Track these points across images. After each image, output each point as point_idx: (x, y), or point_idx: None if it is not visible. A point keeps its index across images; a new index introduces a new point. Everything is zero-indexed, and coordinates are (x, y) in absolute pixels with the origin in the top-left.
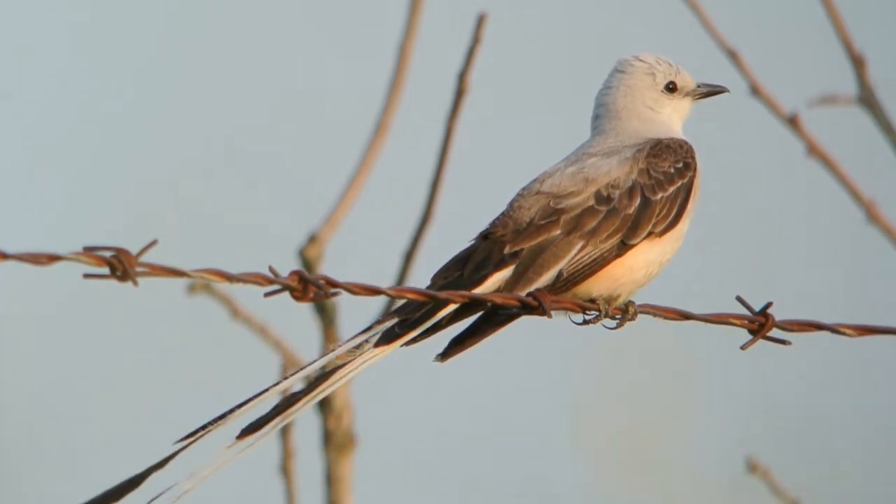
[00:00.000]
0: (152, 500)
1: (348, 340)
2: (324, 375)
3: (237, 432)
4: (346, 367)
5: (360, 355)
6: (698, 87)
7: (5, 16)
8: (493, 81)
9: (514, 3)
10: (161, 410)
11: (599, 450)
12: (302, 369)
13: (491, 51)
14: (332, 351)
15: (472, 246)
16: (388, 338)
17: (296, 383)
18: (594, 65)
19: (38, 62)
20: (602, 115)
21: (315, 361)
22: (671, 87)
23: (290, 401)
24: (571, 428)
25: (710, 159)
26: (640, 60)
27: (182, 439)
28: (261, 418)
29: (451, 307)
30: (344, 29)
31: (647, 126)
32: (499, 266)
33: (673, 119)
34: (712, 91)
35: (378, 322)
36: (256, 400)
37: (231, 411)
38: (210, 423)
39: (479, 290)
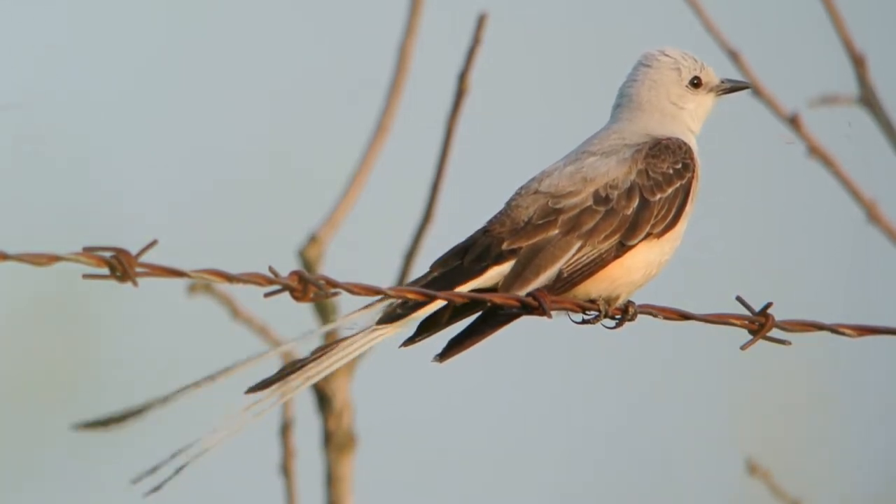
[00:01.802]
0: (171, 456)
1: (350, 314)
2: (327, 347)
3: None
4: (349, 340)
5: (363, 332)
6: (722, 82)
7: (3, 15)
8: (493, 81)
9: (514, 3)
10: (160, 411)
11: (598, 449)
12: (303, 336)
13: (491, 51)
14: (334, 322)
15: (471, 237)
16: (390, 318)
17: (296, 348)
18: (594, 65)
19: (38, 61)
20: (623, 105)
21: (316, 331)
22: (696, 83)
23: (295, 366)
24: (570, 428)
25: (711, 159)
26: (666, 55)
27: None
28: (266, 380)
29: (462, 289)
30: (344, 29)
31: (668, 121)
32: (497, 260)
33: (696, 115)
34: (736, 86)
35: (380, 300)
36: (253, 362)
37: (228, 370)
38: (206, 379)
39: (478, 281)
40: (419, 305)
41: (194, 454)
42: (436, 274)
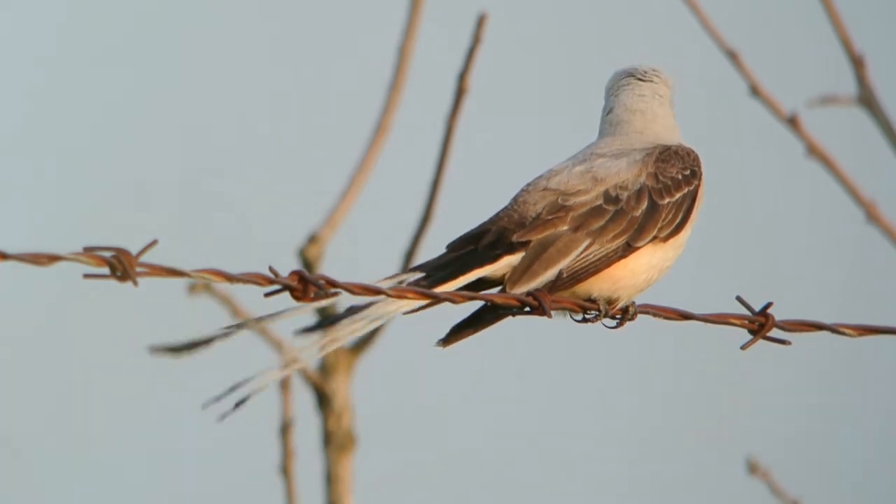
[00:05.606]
0: (231, 388)
1: (378, 281)
2: (362, 307)
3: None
4: (382, 304)
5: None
6: None
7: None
8: (493, 81)
9: (514, 3)
10: (160, 410)
11: (597, 449)
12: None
13: (491, 51)
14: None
15: (483, 226)
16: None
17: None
18: (594, 65)
19: (36, 59)
20: (628, 120)
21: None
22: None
23: (334, 319)
24: (569, 427)
25: (710, 159)
26: (661, 72)
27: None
28: (312, 326)
29: (476, 273)
30: (344, 29)
31: (669, 133)
32: (509, 250)
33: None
34: None
35: (403, 273)
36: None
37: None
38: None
39: (491, 268)
40: (443, 280)
41: (253, 388)
42: (450, 256)
